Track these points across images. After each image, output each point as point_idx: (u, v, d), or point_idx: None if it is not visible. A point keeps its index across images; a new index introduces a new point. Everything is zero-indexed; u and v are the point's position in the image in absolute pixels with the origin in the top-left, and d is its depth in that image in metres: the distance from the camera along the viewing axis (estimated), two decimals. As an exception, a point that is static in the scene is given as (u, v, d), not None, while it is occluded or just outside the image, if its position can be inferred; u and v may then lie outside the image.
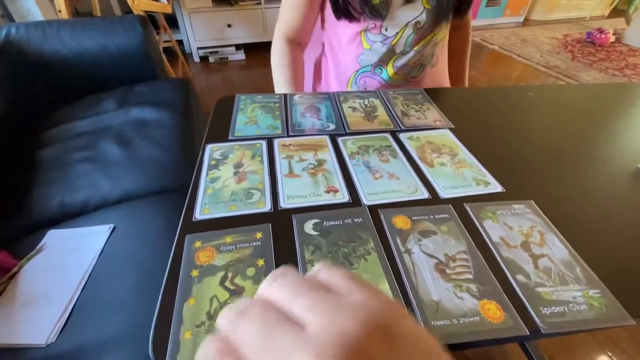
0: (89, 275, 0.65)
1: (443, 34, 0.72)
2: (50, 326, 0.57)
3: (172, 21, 2.56)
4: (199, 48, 2.66)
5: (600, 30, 2.93)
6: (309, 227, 0.34)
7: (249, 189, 0.39)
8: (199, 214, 0.35)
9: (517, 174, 0.43)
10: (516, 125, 0.54)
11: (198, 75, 2.57)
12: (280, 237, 0.33)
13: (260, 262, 0.31)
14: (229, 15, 2.57)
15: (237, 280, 0.30)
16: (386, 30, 0.65)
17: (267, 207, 0.36)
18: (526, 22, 3.47)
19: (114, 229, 0.73)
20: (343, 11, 0.62)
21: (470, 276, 0.30)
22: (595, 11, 3.64)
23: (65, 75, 1.24)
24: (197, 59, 2.71)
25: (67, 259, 0.68)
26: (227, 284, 0.29)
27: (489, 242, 0.33)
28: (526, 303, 0.28)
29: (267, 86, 0.59)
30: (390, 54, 0.67)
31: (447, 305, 0.28)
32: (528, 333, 0.26)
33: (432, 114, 0.54)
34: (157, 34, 2.18)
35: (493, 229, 0.35)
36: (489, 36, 3.08)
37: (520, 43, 3.00)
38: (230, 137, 0.47)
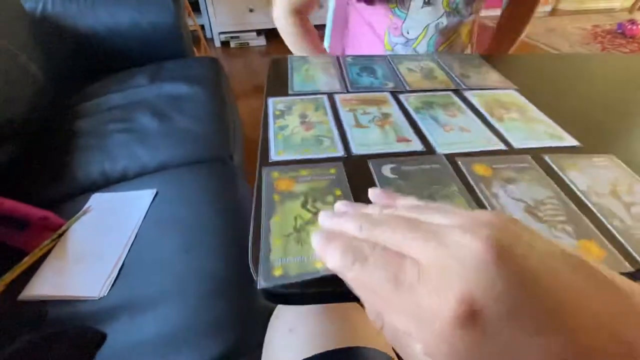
0: (136, 236, 0.66)
1: (469, 31, 0.71)
2: (102, 280, 0.58)
3: (195, 5, 2.56)
4: (220, 33, 2.66)
5: (632, 22, 2.81)
6: (387, 170, 0.34)
7: (318, 136, 0.38)
8: (274, 155, 0.35)
9: (593, 130, 0.41)
10: (584, 87, 0.52)
11: (219, 60, 2.57)
12: (356, 177, 0.33)
13: (338, 191, 0.31)
14: (251, -1, 2.56)
15: (318, 205, 0.29)
16: (407, 32, 0.64)
17: (340, 152, 0.36)
18: (554, 11, 3.35)
19: (157, 193, 0.74)
20: None
21: (563, 218, 0.29)
22: (625, 2, 3.49)
23: (98, 50, 1.25)
24: (218, 44, 2.71)
25: (113, 220, 0.69)
26: (309, 206, 0.29)
27: (576, 190, 0.32)
28: (626, 245, 0.27)
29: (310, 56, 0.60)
30: None
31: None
32: (634, 269, 0.25)
33: (494, 77, 0.52)
34: (182, 16, 2.19)
35: (578, 178, 0.33)
36: (515, 25, 2.99)
37: (547, 33, 2.91)
38: (290, 92, 0.47)
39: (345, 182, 0.32)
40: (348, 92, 0.47)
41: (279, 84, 0.49)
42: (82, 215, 0.70)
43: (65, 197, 0.78)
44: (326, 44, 0.90)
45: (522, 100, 0.47)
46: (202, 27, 2.68)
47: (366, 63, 0.55)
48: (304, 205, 0.29)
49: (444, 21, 0.64)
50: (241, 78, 2.36)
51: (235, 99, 1.36)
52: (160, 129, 0.96)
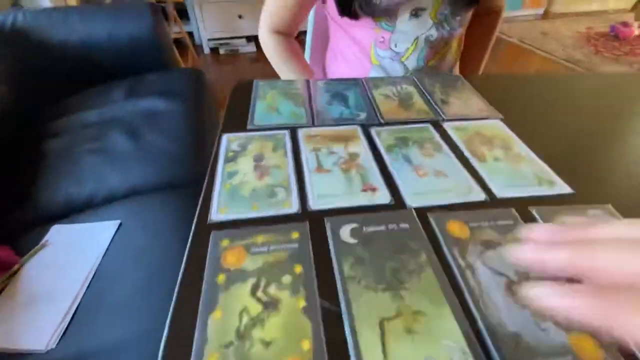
0: (94, 274, 0.60)
1: (458, 46, 0.67)
2: (51, 330, 0.53)
3: (183, 12, 2.51)
4: (209, 39, 2.61)
5: (625, 24, 2.79)
6: (345, 233, 0.28)
7: (272, 185, 0.33)
8: (215, 215, 0.30)
9: (586, 172, 0.36)
10: (577, 116, 0.47)
11: (208, 68, 2.52)
12: (318, 241, 0.28)
13: (298, 268, 0.26)
14: (240, 6, 2.51)
15: (272, 290, 0.24)
16: (395, 45, 0.60)
17: (294, 207, 0.31)
18: (546, 14, 3.33)
19: (120, 224, 0.69)
20: (345, 7, 0.57)
21: (552, 300, 0.24)
22: (618, 3, 3.48)
23: (73, 64, 1.20)
24: (207, 51, 2.66)
25: (71, 256, 0.64)
26: (260, 294, 0.24)
27: (568, 256, 0.27)
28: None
29: (278, 79, 0.57)
30: (401, 71, 0.62)
31: (529, 339, 0.22)
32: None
33: (476, 103, 0.48)
34: (167, 25, 2.14)
35: (570, 239, 0.28)
36: (507, 29, 2.96)
37: (540, 36, 2.88)
38: (249, 127, 0.42)
39: (309, 251, 0.27)
40: (314, 125, 0.42)
41: (239, 115, 0.44)
42: (39, 251, 0.65)
43: (24, 227, 0.72)
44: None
45: (507, 132, 0.42)
46: (191, 34, 2.63)
47: (338, 88, 0.51)
48: (254, 291, 0.24)
49: (434, 33, 0.60)
50: (230, 85, 2.31)
51: (219, 110, 1.31)
52: (132, 150, 0.90)
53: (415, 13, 0.58)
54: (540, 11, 3.32)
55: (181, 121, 1.01)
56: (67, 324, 0.54)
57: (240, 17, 2.57)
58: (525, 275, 0.26)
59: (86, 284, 0.59)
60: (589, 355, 0.21)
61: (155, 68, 1.30)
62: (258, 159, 0.36)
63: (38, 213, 0.77)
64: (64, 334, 0.53)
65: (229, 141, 0.39)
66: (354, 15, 0.58)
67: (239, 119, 0.43)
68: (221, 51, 2.65)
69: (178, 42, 2.34)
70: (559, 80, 0.58)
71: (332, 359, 0.21)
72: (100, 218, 0.72)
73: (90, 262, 0.62)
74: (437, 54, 0.64)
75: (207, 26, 2.56)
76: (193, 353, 0.21)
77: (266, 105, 0.46)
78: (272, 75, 0.68)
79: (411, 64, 0.63)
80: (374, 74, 0.66)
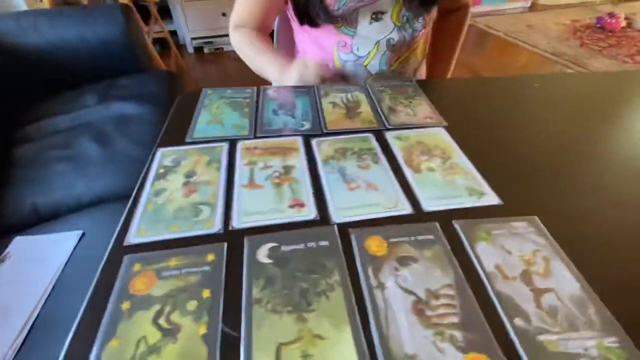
0: (52, 288, 0.60)
1: (423, 47, 0.66)
2: (6, 346, 0.52)
3: (165, 11, 2.48)
4: (192, 38, 2.58)
5: (611, 15, 2.79)
6: (262, 253, 0.28)
7: (197, 203, 0.33)
8: (133, 237, 0.30)
9: (519, 182, 0.36)
10: (520, 122, 0.47)
11: (193, 67, 2.50)
12: (234, 263, 0.28)
13: (206, 292, 0.25)
14: (223, 3, 2.47)
15: (174, 317, 0.24)
16: (357, 49, 0.59)
17: (216, 227, 0.31)
18: (533, 6, 3.32)
19: (82, 235, 0.68)
20: (303, 14, 0.56)
21: (455, 319, 0.24)
22: (606, -6, 3.47)
23: (43, 69, 1.18)
24: (191, 50, 2.63)
25: (31, 269, 0.63)
26: (162, 321, 0.24)
27: (481, 272, 0.27)
28: (524, 358, 0.22)
29: (227, 88, 0.54)
30: (364, 75, 0.61)
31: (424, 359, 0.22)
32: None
33: (423, 110, 0.47)
34: (148, 24, 2.11)
35: (487, 254, 0.29)
36: (493, 22, 2.96)
37: (526, 29, 2.88)
38: (187, 140, 0.41)
39: (222, 274, 0.27)
40: (255, 136, 0.42)
41: (180, 127, 0.44)
42: (-2, 264, 0.64)
43: (-13, 240, 0.72)
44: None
45: (448, 141, 0.42)
46: (174, 32, 2.60)
47: (288, 97, 0.50)
48: (155, 319, 0.24)
49: (395, 36, 0.59)
50: (215, 84, 2.29)
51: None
52: (100, 156, 0.89)
53: (376, 17, 0.57)
54: (528, 4, 3.32)
55: (152, 127, 1.00)
56: (23, 339, 0.53)
57: (224, 14, 2.54)
58: (435, 294, 0.26)
59: (44, 299, 0.58)
60: (482, 377, 0.21)
61: (130, 71, 1.28)
62: (189, 174, 0.36)
63: (3, 222, 0.76)
64: (19, 350, 0.52)
65: (163, 156, 0.39)
66: (314, 24, 0.58)
67: (180, 131, 0.43)
68: (205, 50, 2.62)
69: (161, 42, 2.32)
70: (516, 83, 0.58)
71: (221, 388, 0.21)
72: (65, 227, 0.71)
73: (49, 276, 0.61)
74: (400, 57, 0.63)
75: (190, 25, 2.52)
76: (80, 387, 0.21)
77: (210, 116, 0.45)
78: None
79: (373, 67, 0.63)
80: None
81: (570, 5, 3.36)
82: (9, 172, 0.87)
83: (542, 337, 0.23)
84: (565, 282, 0.26)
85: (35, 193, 0.81)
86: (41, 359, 0.52)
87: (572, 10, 3.24)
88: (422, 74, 0.74)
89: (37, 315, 0.56)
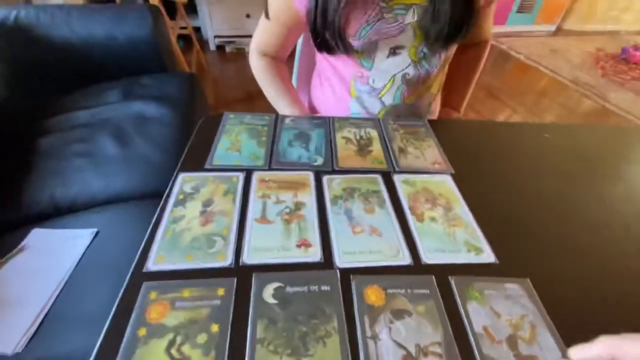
0: (65, 282, 0.63)
1: (439, 82, 0.68)
2: (19, 334, 0.55)
3: (191, 7, 2.52)
4: (215, 36, 2.63)
5: (637, 48, 2.75)
6: (268, 293, 0.31)
7: (212, 234, 0.35)
8: (151, 264, 0.32)
9: (516, 241, 0.38)
10: (525, 175, 0.48)
11: (213, 65, 2.54)
12: (241, 299, 0.30)
13: (215, 327, 0.28)
14: (248, 5, 2.52)
15: (185, 349, 0.26)
16: (373, 81, 0.61)
17: (227, 260, 0.33)
18: (558, 31, 3.29)
19: (97, 233, 0.72)
20: (321, 43, 0.58)
21: (440, 380, 0.26)
22: (632, 25, 3.42)
23: (71, 63, 1.22)
24: (213, 48, 2.67)
25: (46, 262, 0.67)
26: (174, 351, 0.26)
27: (469, 333, 0.29)
28: None
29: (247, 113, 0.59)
30: (379, 106, 0.63)
31: (407, 417, 0.24)
32: None
33: (433, 154, 0.49)
34: (174, 19, 2.16)
35: (478, 314, 0.30)
36: (516, 45, 2.94)
37: (549, 54, 2.85)
38: (206, 166, 0.44)
39: (230, 310, 0.29)
40: (270, 168, 0.44)
41: (201, 151, 0.46)
42: (16, 255, 0.68)
43: (7, 226, 0.76)
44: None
45: (453, 190, 0.43)
46: (198, 29, 2.65)
47: (304, 127, 0.52)
48: (169, 348, 0.26)
49: (411, 72, 0.61)
50: (233, 84, 2.33)
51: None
52: (118, 155, 0.93)
53: (394, 51, 0.59)
54: (553, 28, 3.29)
55: (171, 130, 1.04)
56: (35, 329, 0.57)
57: (248, 16, 2.58)
58: (424, 351, 0.28)
59: (57, 292, 0.61)
60: None
61: (153, 70, 1.32)
62: (207, 204, 0.39)
63: (23, 213, 0.80)
64: (31, 339, 0.56)
65: (183, 181, 0.41)
66: (331, 52, 0.60)
67: (201, 155, 0.45)
68: (227, 49, 2.66)
69: (185, 38, 2.37)
70: (527, 131, 0.59)
71: None
72: (80, 223, 0.74)
73: (63, 270, 0.65)
74: (415, 92, 0.65)
75: (214, 23, 2.57)
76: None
77: (229, 142, 0.48)
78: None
79: (388, 100, 0.64)
80: (353, 106, 0.67)
81: (597, 32, 3.32)
82: (31, 163, 0.91)
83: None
84: (547, 350, 0.28)
85: (54, 185, 0.85)
86: (51, 350, 0.55)
87: (598, 37, 3.20)
88: (437, 106, 0.75)
89: (50, 308, 0.59)
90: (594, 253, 0.38)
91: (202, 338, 0.27)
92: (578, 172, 0.50)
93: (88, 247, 0.69)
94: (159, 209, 0.37)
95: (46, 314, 0.59)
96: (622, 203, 0.45)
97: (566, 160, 0.52)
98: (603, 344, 0.24)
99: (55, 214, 0.79)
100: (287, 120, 0.54)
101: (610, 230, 0.41)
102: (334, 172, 0.45)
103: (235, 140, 0.48)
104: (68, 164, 0.90)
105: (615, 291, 0.34)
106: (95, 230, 0.72)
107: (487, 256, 0.36)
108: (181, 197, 0.39)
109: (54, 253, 0.68)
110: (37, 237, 0.71)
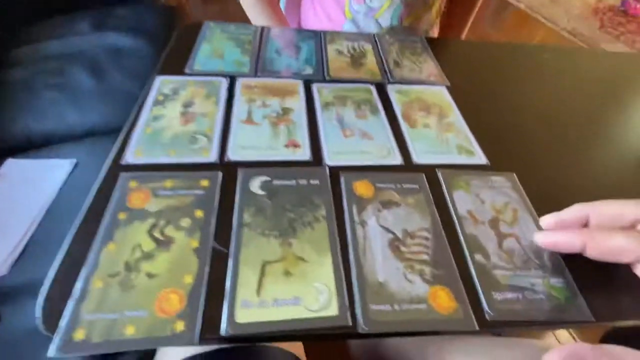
0: (47, 211, 0.61)
1: (439, 6, 0.63)
2: (3, 256, 0.55)
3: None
4: (195, -27, 2.39)
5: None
6: (255, 185, 0.30)
7: (194, 132, 0.33)
8: (130, 157, 0.30)
9: (507, 145, 0.38)
10: (523, 90, 0.47)
11: (195, 5, 2.34)
12: (227, 191, 0.29)
13: (199, 213, 0.27)
14: None
15: (168, 231, 0.26)
16: (370, 0, 0.56)
17: (212, 156, 0.31)
18: (561, -21, 3.11)
19: (76, 164, 0.69)
20: None
21: (426, 257, 0.26)
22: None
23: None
24: (193, -14, 2.44)
25: (25, 191, 0.64)
26: (156, 233, 0.25)
27: (454, 216, 0.29)
28: (479, 287, 0.25)
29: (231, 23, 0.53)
30: (374, 28, 0.59)
31: (392, 287, 0.24)
32: (477, 329, 0.23)
33: (428, 68, 0.47)
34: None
35: (463, 200, 0.30)
36: (516, -8, 2.79)
37: (549, 3, 2.73)
38: (187, 71, 0.41)
39: (216, 200, 0.28)
40: (256, 75, 0.42)
41: (179, 58, 0.43)
42: (-8, 183, 0.65)
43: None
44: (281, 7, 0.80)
45: (447, 100, 0.42)
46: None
47: (293, 39, 0.49)
48: (150, 230, 0.25)
49: None
50: (216, 28, 2.17)
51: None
52: (94, 88, 0.87)
53: None
54: (555, -25, 3.11)
55: (147, 62, 0.97)
56: (19, 252, 0.56)
57: (230, -51, 2.34)
58: (411, 234, 0.28)
59: (38, 220, 0.60)
60: (443, 305, 0.24)
61: (127, 0, 1.20)
62: (187, 104, 0.36)
63: (-6, 144, 0.75)
64: (16, 262, 0.55)
65: (161, 84, 0.38)
66: None
67: (180, 61, 0.42)
68: (208, -12, 2.44)
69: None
70: (526, 51, 0.57)
71: (209, 291, 0.23)
72: (57, 155, 0.71)
73: (43, 199, 0.63)
74: (413, 12, 0.61)
75: (193, -43, 2.32)
76: (79, 278, 0.22)
77: (211, 49, 0.44)
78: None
79: (385, 21, 0.60)
80: (347, 28, 0.63)
81: (599, -18, 3.16)
82: (1, 94, 0.85)
83: (496, 272, 0.26)
84: (527, 231, 0.29)
85: (27, 118, 0.80)
86: (37, 271, 0.54)
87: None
88: (435, 34, 0.71)
89: (33, 234, 0.58)
90: (582, 159, 0.38)
91: (185, 222, 0.26)
92: (573, 90, 0.49)
93: (68, 177, 0.66)
94: (136, 107, 0.35)
95: (29, 240, 0.57)
96: (613, 119, 0.45)
97: (563, 79, 0.50)
98: (576, 207, 0.26)
99: (30, 148, 0.75)
100: (275, 31, 0.50)
101: (599, 142, 0.41)
102: (324, 81, 0.42)
103: (217, 47, 0.45)
104: (41, 97, 0.84)
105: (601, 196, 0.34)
106: (75, 160, 0.69)
107: (479, 158, 0.35)
108: (160, 97, 0.36)
109: (33, 183, 0.66)
110: (13, 167, 0.68)
